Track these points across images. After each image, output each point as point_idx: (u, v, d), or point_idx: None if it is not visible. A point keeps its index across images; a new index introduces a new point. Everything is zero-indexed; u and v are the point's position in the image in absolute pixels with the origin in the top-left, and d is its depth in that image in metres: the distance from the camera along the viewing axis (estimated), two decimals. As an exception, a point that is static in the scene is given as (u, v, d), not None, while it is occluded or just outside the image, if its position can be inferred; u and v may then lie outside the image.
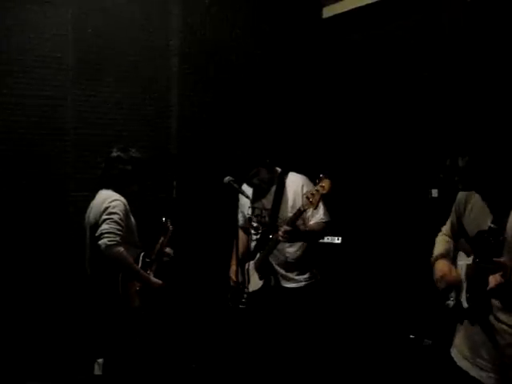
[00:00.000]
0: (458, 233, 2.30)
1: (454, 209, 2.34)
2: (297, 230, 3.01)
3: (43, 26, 3.69)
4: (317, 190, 2.83)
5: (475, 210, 2.16)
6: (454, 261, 2.26)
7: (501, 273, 1.89)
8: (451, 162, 2.18)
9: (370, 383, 3.59)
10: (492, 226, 2.02)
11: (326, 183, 2.81)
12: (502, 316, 2.01)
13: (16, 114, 3.64)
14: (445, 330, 2.33)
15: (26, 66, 3.65)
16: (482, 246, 2.05)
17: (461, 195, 2.28)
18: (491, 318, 2.03)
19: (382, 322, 3.79)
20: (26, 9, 3.63)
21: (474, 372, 2.12)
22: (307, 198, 2.87)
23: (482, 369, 2.08)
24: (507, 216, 1.99)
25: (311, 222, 3.15)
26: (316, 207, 2.92)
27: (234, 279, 3.31)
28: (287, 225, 2.97)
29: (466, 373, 2.14)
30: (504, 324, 2.00)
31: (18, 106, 3.65)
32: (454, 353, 2.23)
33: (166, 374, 3.85)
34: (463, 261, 2.20)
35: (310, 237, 3.22)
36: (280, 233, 2.98)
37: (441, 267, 2.24)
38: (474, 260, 2.10)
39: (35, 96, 3.68)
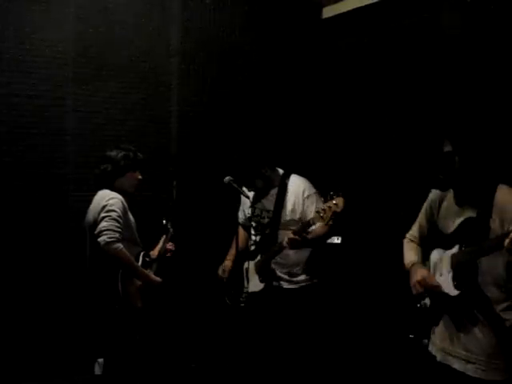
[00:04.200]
0: (426, 235, 2.43)
1: (424, 210, 2.44)
2: (304, 239, 2.98)
3: (43, 26, 3.69)
4: (329, 207, 2.74)
5: (449, 207, 2.29)
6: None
7: None
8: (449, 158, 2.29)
9: (369, 383, 3.60)
10: (478, 214, 2.13)
11: (339, 201, 2.71)
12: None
13: (16, 113, 3.64)
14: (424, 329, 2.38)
15: (26, 65, 3.65)
16: (468, 235, 2.14)
17: (434, 195, 2.38)
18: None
19: (381, 321, 3.79)
20: (25, 8, 3.62)
21: (457, 365, 2.15)
22: (318, 212, 2.80)
23: (468, 361, 2.11)
24: (491, 206, 2.09)
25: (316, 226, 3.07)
26: (327, 223, 2.83)
27: (221, 275, 3.34)
28: (294, 234, 2.95)
29: (447, 366, 2.19)
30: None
31: (18, 105, 3.65)
32: (433, 350, 2.29)
33: (166, 373, 3.85)
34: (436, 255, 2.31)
35: (316, 242, 3.22)
36: (285, 240, 2.97)
37: (420, 271, 2.32)
38: (460, 248, 2.18)
39: (35, 96, 3.68)
